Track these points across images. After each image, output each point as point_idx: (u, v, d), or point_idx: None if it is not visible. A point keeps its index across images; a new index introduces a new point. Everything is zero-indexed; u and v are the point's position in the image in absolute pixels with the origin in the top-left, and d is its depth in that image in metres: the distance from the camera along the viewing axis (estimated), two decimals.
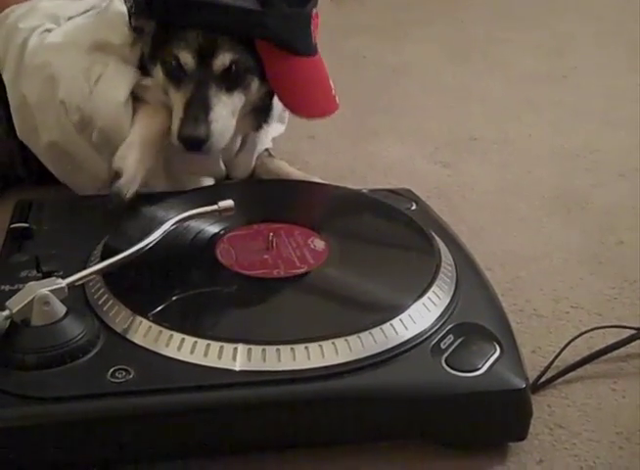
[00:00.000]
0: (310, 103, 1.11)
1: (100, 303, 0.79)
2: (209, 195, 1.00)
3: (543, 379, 0.83)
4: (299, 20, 1.08)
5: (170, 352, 0.72)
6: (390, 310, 0.78)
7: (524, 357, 0.78)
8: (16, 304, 0.71)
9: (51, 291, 0.72)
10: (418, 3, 2.43)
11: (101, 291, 0.80)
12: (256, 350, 0.72)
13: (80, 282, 0.77)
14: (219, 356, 0.71)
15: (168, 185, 1.11)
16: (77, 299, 0.78)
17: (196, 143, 1.03)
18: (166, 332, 0.74)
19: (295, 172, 1.24)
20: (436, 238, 0.94)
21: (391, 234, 0.99)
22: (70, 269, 0.78)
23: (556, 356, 0.86)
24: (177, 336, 0.73)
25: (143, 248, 0.80)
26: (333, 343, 0.73)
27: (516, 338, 0.80)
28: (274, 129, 1.30)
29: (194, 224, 0.92)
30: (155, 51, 1.07)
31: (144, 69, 1.09)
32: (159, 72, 1.07)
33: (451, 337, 0.77)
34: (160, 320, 0.75)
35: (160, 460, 0.72)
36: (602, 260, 1.09)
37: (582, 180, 1.34)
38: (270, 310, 0.82)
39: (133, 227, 0.92)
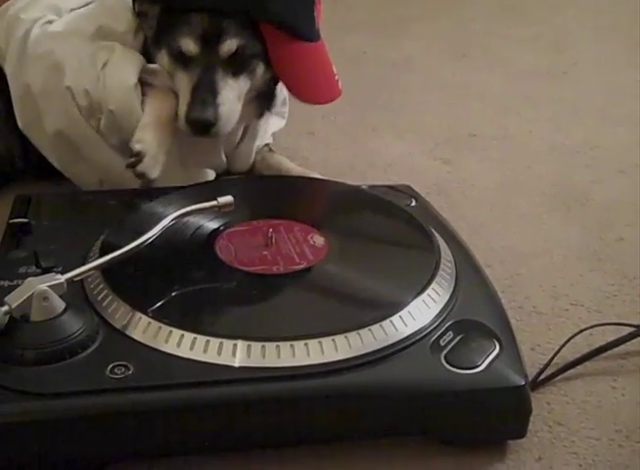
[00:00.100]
0: (314, 88, 1.12)
1: (99, 298, 0.78)
2: (209, 191, 1.00)
3: (542, 376, 0.83)
4: (303, 4, 1.08)
5: (170, 348, 0.72)
6: (390, 307, 0.78)
7: (523, 355, 0.78)
8: (15, 299, 0.70)
9: (50, 286, 0.71)
10: None
11: (100, 287, 0.80)
12: (256, 346, 0.72)
13: (79, 278, 0.76)
14: (219, 353, 0.71)
15: (184, 176, 1.11)
16: (76, 294, 0.78)
17: (204, 126, 1.04)
18: (166, 328, 0.73)
19: (295, 168, 1.25)
20: (436, 234, 0.94)
21: (391, 230, 0.99)
22: (70, 265, 0.78)
23: (555, 354, 0.85)
24: (177, 332, 0.73)
25: (142, 243, 0.80)
26: (332, 339, 0.73)
27: (515, 335, 0.80)
28: (274, 124, 1.31)
29: (193, 220, 0.91)
30: (159, 35, 1.07)
31: (147, 55, 1.09)
32: (164, 57, 1.07)
33: (450, 334, 0.77)
34: (159, 316, 0.75)
35: (159, 456, 0.72)
36: (602, 257, 1.09)
37: (582, 176, 1.34)
38: (270, 307, 0.82)
39: (132, 223, 0.92)
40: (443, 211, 1.09)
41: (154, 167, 1.02)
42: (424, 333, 0.77)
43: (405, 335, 0.76)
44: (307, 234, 0.92)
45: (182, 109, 1.04)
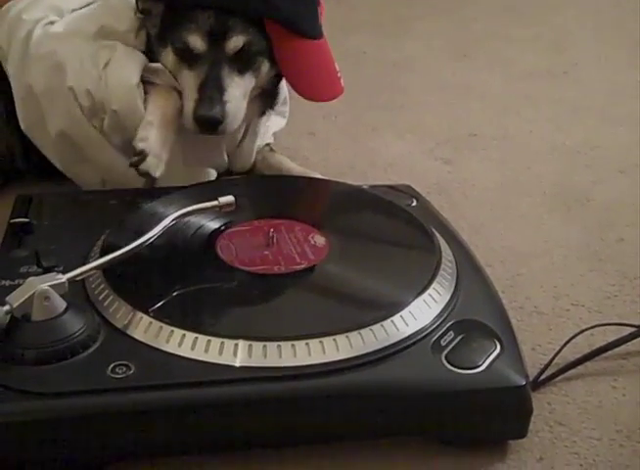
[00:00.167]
0: (317, 85, 1.12)
1: (100, 298, 0.79)
2: (210, 191, 1.00)
3: (543, 376, 0.83)
4: (307, 1, 1.09)
5: (171, 347, 0.72)
6: (391, 307, 0.78)
7: (524, 355, 0.78)
8: (16, 299, 0.71)
9: (51, 286, 0.71)
10: None
11: (101, 286, 0.80)
12: (257, 346, 0.72)
13: (81, 277, 0.77)
14: (220, 352, 0.71)
15: (186, 175, 1.11)
16: (77, 294, 0.78)
17: (211, 123, 1.04)
18: (167, 328, 0.73)
19: (296, 168, 1.25)
20: (437, 234, 0.94)
21: (392, 230, 0.99)
22: (71, 265, 0.78)
23: (556, 354, 0.86)
24: (178, 332, 0.73)
25: (143, 243, 0.80)
26: (334, 339, 0.73)
27: (516, 335, 0.80)
28: (275, 124, 1.31)
29: (194, 220, 0.91)
30: (164, 33, 1.07)
31: (149, 54, 1.09)
32: (169, 55, 1.07)
33: (451, 334, 0.77)
34: (160, 316, 0.75)
35: (159, 456, 0.72)
36: (602, 257, 1.09)
37: (582, 177, 1.34)
38: (271, 307, 0.82)
39: (133, 223, 0.92)
40: (444, 210, 1.10)
41: (157, 166, 1.02)
42: (425, 333, 0.77)
43: (406, 335, 0.76)
44: (308, 234, 0.92)
45: (189, 106, 1.04)
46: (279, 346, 0.72)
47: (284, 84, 1.19)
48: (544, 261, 1.08)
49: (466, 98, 1.69)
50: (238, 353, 0.71)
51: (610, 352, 0.87)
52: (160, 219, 0.83)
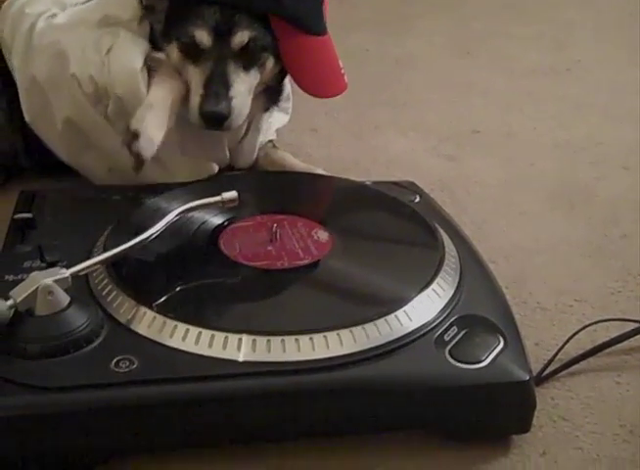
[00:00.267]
0: (321, 81, 1.12)
1: (104, 293, 0.79)
2: (213, 186, 1.00)
3: (547, 372, 0.83)
4: None
5: (174, 342, 0.72)
6: (395, 302, 0.78)
7: (527, 350, 0.78)
8: (20, 293, 0.71)
9: (55, 281, 0.71)
10: None
11: (105, 281, 0.80)
12: (261, 340, 0.72)
13: (84, 272, 0.77)
14: (224, 347, 0.71)
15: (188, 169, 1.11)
16: (81, 289, 0.78)
17: (217, 119, 1.04)
18: (171, 322, 0.74)
19: (299, 164, 1.25)
20: (440, 230, 0.94)
21: (395, 226, 0.99)
22: (74, 259, 0.78)
23: (559, 349, 0.86)
24: (181, 326, 0.73)
25: (147, 238, 0.80)
26: (337, 334, 0.73)
27: (519, 330, 0.80)
28: (278, 120, 1.31)
29: (197, 215, 0.92)
30: (169, 29, 1.07)
31: (153, 44, 1.09)
32: (174, 50, 1.07)
33: (455, 329, 0.77)
34: (164, 311, 0.75)
35: (162, 450, 0.72)
36: (606, 253, 1.09)
37: (586, 173, 1.34)
38: (274, 302, 0.82)
39: (137, 218, 0.92)
40: (447, 207, 1.10)
41: (148, 148, 1.00)
42: (428, 328, 0.77)
43: (410, 330, 0.76)
44: (311, 229, 0.92)
45: (195, 101, 1.04)
46: (283, 340, 0.72)
47: (287, 80, 1.18)
48: (547, 257, 1.08)
49: (468, 95, 1.69)
50: (242, 348, 0.71)
51: (613, 348, 0.87)
52: (164, 215, 0.83)
